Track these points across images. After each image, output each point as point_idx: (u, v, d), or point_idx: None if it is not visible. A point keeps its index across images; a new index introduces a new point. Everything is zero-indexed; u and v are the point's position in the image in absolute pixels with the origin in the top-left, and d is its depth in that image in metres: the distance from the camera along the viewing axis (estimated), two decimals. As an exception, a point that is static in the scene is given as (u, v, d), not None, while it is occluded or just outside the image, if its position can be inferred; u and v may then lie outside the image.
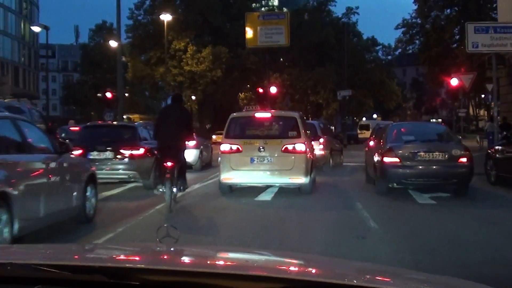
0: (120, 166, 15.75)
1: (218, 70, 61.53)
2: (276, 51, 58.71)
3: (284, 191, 14.97)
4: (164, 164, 12.29)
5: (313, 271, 2.60)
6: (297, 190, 14.76)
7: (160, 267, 2.32)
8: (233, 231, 10.26)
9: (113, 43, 41.21)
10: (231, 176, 14.46)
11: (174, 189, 12.41)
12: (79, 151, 15.51)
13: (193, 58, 62.15)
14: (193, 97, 65.43)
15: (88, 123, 17.99)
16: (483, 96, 66.52)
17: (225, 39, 63.74)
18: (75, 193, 9.96)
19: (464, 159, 13.94)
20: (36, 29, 49.08)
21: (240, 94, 68.41)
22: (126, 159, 15.70)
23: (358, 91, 66.58)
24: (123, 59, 52.40)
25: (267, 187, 15.28)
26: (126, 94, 71.43)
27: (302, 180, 14.31)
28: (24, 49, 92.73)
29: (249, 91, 67.02)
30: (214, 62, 61.35)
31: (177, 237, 2.95)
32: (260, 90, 52.11)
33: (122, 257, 2.84)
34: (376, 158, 14.96)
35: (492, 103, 52.85)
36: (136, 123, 17.68)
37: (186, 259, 2.87)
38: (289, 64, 69.15)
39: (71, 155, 11.14)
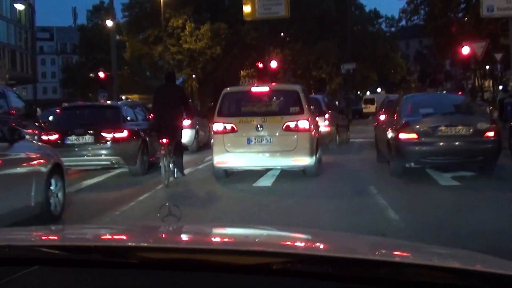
0: (102, 151, 13.95)
1: (217, 47, 59.69)
2: (276, 26, 56.96)
3: (286, 175, 13.26)
4: (160, 140, 12.54)
5: (321, 246, 2.45)
6: (301, 173, 13.06)
7: (160, 245, 2.27)
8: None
9: (110, 23, 39.66)
10: (225, 160, 12.73)
11: (171, 165, 12.60)
12: (55, 136, 13.92)
13: (192, 35, 60.30)
14: (194, 75, 63.77)
15: (66, 104, 16.16)
16: (487, 67, 64.29)
17: (224, 15, 61.83)
18: (34, 188, 8.26)
19: (491, 133, 12.14)
20: (19, 7, 46.93)
21: (241, 71, 66.64)
22: (108, 143, 13.90)
23: (361, 65, 64.94)
24: (117, 37, 51.20)
25: (267, 170, 13.58)
26: (124, 74, 70.29)
27: (306, 161, 12.58)
28: (20, 32, 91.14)
29: (250, 68, 65.25)
30: (213, 39, 59.52)
31: (180, 216, 2.83)
32: (260, 65, 50.32)
33: (120, 236, 2.77)
34: (390, 134, 13.21)
35: (500, 73, 51.51)
36: (120, 103, 15.84)
37: (186, 237, 2.77)
38: (290, 39, 67.28)
39: (30, 143, 9.47)
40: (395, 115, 13.44)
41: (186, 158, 15.80)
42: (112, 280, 1.96)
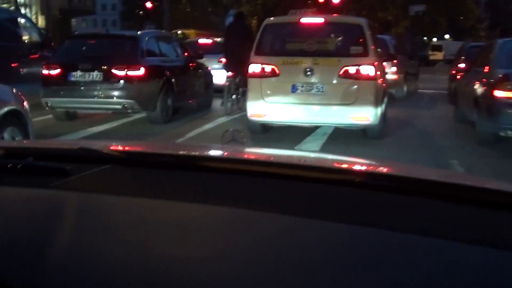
0: (113, 92, 11.23)
1: (278, -18, 56.57)
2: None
3: (340, 135, 10.35)
4: (227, 73, 13.53)
5: (395, 167, 2.18)
6: (359, 133, 10.16)
7: (231, 156, 2.22)
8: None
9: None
10: (262, 112, 9.83)
11: (234, 96, 13.39)
12: (57, 71, 11.32)
13: (252, -32, 57.32)
14: (253, 14, 60.93)
15: (75, 33, 13.47)
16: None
17: None
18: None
19: None
20: None
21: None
22: (121, 82, 11.19)
23: (431, 7, 61.03)
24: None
25: (316, 127, 10.66)
26: (182, 8, 68.03)
27: (369, 119, 9.61)
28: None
29: (313, 6, 61.95)
30: (275, -27, 56.41)
31: (243, 141, 2.74)
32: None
33: (192, 148, 2.78)
34: (479, 89, 10.12)
35: None
36: (140, 33, 12.89)
37: (259, 154, 2.53)
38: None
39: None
40: (487, 65, 10.30)
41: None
42: (182, 183, 1.75)
